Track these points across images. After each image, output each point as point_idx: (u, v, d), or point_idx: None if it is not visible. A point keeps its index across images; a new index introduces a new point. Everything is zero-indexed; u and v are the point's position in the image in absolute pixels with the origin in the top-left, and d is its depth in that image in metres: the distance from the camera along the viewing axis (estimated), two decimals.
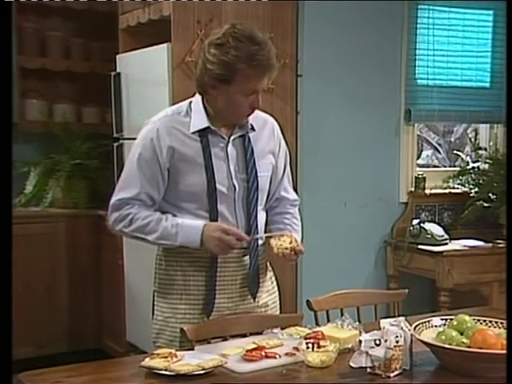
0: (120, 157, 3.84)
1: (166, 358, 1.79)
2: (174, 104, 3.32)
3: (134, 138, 2.20)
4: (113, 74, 3.88)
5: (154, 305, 2.22)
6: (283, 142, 2.30)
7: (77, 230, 4.23)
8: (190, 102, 2.15)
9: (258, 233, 2.16)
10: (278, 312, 2.32)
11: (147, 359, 1.81)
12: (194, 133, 2.10)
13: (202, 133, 2.10)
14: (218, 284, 2.14)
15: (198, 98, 2.14)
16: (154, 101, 3.48)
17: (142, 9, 3.64)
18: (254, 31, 2.00)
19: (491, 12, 4.28)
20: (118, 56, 3.90)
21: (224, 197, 2.10)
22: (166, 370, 1.74)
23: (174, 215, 2.11)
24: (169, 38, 3.34)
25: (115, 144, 3.88)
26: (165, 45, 3.35)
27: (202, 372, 1.75)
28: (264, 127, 2.23)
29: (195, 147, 2.09)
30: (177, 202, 2.12)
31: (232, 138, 2.13)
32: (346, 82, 3.82)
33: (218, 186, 2.08)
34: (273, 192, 2.27)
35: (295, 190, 2.40)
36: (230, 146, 2.13)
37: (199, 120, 2.10)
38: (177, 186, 2.10)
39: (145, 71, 3.64)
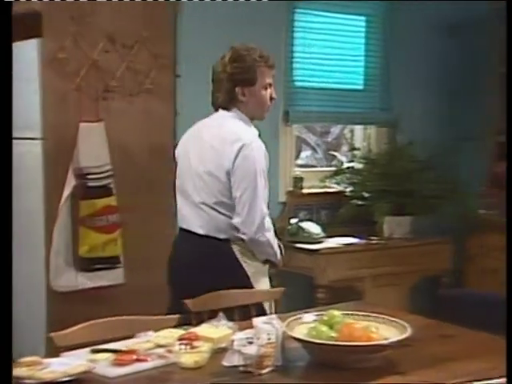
0: None
1: (29, 366, 1.70)
2: (44, 101, 3.18)
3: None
4: None
5: None
6: None
7: None
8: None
9: None
10: None
11: None
12: None
13: None
14: None
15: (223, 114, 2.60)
16: (24, 97, 3.32)
17: (12, 2, 3.47)
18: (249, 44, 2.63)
19: (363, 18, 4.44)
20: None
21: None
22: (29, 378, 1.66)
23: None
24: (40, 32, 3.20)
25: None
26: (35, 40, 3.21)
27: (68, 379, 1.69)
28: None
29: None
30: None
31: None
32: None
33: None
34: None
35: None
36: None
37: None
38: None
39: (14, 66, 3.47)
